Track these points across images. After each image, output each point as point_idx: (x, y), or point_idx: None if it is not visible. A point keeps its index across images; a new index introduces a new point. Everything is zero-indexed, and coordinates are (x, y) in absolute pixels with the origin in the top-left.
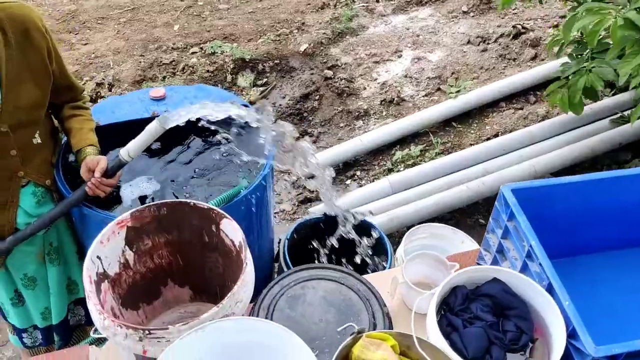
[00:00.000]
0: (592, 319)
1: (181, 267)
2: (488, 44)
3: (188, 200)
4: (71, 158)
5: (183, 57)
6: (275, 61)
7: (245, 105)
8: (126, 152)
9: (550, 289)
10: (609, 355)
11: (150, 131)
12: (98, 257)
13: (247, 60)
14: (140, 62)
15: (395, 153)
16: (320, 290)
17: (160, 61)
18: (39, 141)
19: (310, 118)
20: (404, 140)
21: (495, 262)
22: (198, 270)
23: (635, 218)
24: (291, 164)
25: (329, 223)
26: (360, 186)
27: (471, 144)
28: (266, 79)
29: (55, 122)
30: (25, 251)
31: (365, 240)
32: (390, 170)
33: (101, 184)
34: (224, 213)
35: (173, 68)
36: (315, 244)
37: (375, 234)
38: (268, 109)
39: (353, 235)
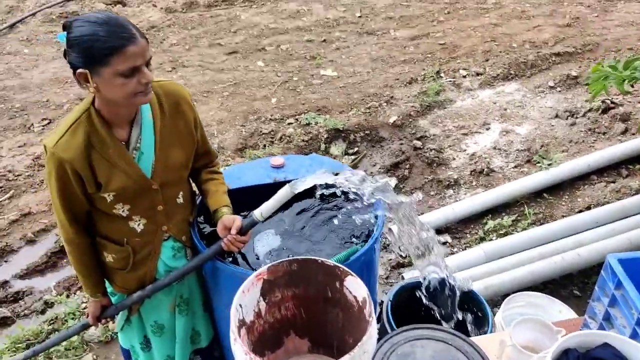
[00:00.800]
0: None
1: (304, 319)
2: (576, 117)
3: (317, 258)
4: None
5: (280, 127)
6: (366, 131)
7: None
8: (259, 212)
9: None
10: None
11: (282, 195)
12: (240, 306)
13: (340, 130)
14: (241, 131)
15: (487, 222)
16: (429, 349)
17: (260, 131)
18: (182, 201)
19: (401, 186)
20: (495, 210)
21: (601, 329)
22: (319, 324)
23: None
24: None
25: (429, 288)
26: (453, 253)
27: (563, 216)
28: (357, 148)
29: (194, 186)
30: (160, 299)
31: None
32: (482, 239)
33: (236, 240)
34: (349, 270)
35: (272, 137)
36: (425, 301)
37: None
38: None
39: (454, 298)
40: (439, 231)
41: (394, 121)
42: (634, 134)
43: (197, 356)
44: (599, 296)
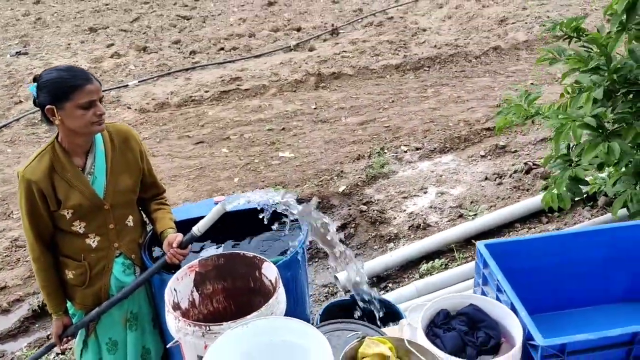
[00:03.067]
0: None
1: (233, 312)
2: (503, 178)
3: (239, 251)
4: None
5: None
6: (318, 200)
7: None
8: (197, 228)
9: (513, 308)
10: (555, 346)
11: (214, 212)
12: (175, 289)
13: (295, 199)
14: None
15: (422, 266)
16: (343, 338)
17: None
18: (131, 224)
19: (348, 242)
20: (429, 257)
21: None
22: (246, 314)
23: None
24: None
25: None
26: (388, 291)
27: None
28: None
29: (144, 216)
30: (113, 315)
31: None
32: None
33: (177, 253)
34: (265, 258)
35: None
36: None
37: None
38: (311, 204)
39: (375, 310)
40: (380, 278)
41: (343, 190)
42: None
43: None
44: (476, 281)
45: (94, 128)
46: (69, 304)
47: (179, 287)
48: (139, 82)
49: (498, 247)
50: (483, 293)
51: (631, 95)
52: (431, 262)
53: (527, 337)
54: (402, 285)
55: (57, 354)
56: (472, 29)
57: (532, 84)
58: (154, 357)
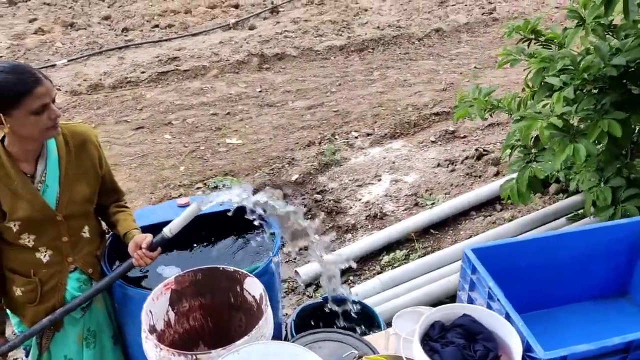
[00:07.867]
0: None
1: (211, 329)
2: (455, 165)
3: (218, 266)
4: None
5: (189, 192)
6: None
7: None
8: (168, 229)
9: (508, 318)
10: (557, 358)
11: (189, 212)
12: (150, 312)
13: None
14: (150, 198)
15: (382, 258)
16: (325, 349)
17: (169, 196)
18: (88, 236)
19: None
20: (389, 248)
21: None
22: (225, 332)
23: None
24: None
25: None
26: (350, 285)
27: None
28: None
29: (103, 225)
30: (67, 331)
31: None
32: (379, 273)
33: (145, 255)
34: (247, 273)
35: None
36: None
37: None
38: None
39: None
40: (342, 271)
41: (296, 179)
42: (504, 175)
43: None
44: (462, 285)
45: (49, 133)
46: (16, 320)
47: (154, 309)
48: (67, 61)
49: (483, 252)
50: (470, 298)
51: (595, 92)
52: (392, 253)
53: (526, 348)
54: (364, 278)
55: None
56: (413, 10)
57: (475, 67)
58: None
